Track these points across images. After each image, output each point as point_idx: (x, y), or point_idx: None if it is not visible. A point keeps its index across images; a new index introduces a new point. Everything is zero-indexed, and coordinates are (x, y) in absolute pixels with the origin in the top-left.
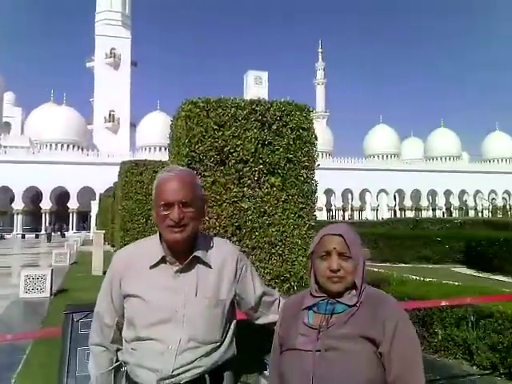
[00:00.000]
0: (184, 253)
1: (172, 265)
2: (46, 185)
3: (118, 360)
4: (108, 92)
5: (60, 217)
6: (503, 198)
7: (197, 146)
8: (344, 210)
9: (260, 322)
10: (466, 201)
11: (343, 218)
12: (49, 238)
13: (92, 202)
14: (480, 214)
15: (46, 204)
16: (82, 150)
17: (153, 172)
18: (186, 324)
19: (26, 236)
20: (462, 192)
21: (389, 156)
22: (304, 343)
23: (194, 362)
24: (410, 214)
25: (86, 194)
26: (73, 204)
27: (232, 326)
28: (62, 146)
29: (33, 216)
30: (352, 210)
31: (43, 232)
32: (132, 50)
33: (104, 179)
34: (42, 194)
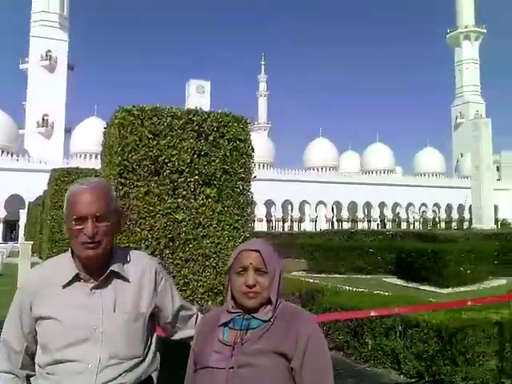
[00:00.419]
0: (99, 268)
1: (87, 282)
2: None
3: None
4: (42, 95)
5: None
6: (433, 210)
7: (130, 155)
8: (284, 221)
9: (177, 337)
10: (398, 213)
11: (283, 229)
12: None
13: (21, 211)
14: (412, 226)
15: None
16: (12, 155)
17: None
18: (105, 341)
19: None
20: (395, 204)
21: (327, 168)
22: (217, 361)
23: (117, 378)
24: (346, 226)
25: (15, 202)
26: (0, 213)
27: (154, 340)
28: None
29: None
30: (292, 221)
31: None
32: (69, 53)
33: (35, 187)
34: None
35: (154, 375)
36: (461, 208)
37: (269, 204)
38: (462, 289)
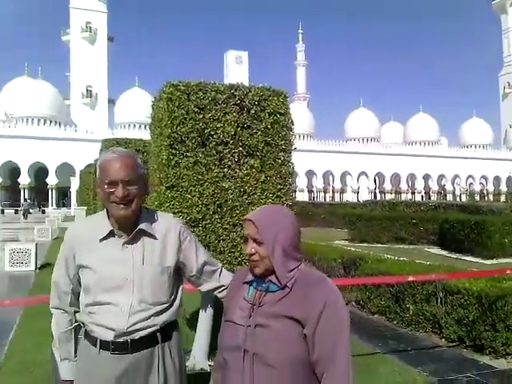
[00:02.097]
0: (130, 226)
1: (120, 238)
2: (23, 160)
3: (76, 320)
4: (85, 67)
5: (39, 192)
6: (480, 182)
7: (178, 128)
8: (325, 192)
9: (203, 288)
10: (444, 185)
11: (324, 200)
12: (25, 215)
13: (71, 178)
14: (458, 198)
15: (24, 179)
16: (60, 125)
17: (134, 150)
18: (135, 289)
19: (6, 211)
20: (441, 176)
21: (369, 140)
22: (239, 317)
23: (146, 320)
24: (389, 197)
25: (65, 170)
26: (52, 180)
27: (179, 290)
28: (39, 120)
29: (11, 191)
30: (333, 191)
31: (21, 208)
32: (108, 24)
33: (83, 156)
34: (19, 168)
35: (177, 322)
36: (510, 180)
37: (310, 174)
38: (506, 260)
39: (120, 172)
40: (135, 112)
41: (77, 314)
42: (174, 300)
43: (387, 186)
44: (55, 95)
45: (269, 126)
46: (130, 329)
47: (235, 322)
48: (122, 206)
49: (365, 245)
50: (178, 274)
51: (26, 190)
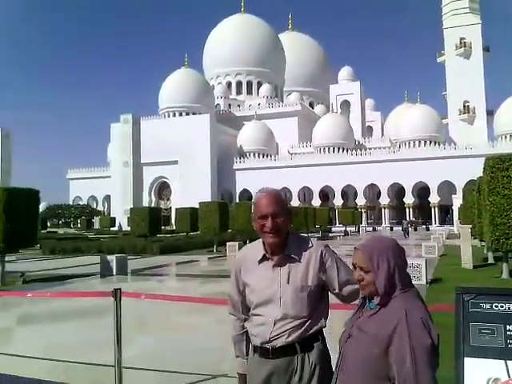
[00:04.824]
0: (279, 251)
1: (271, 260)
2: (407, 181)
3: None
4: (460, 83)
5: (422, 210)
6: None
7: None
8: None
9: (349, 303)
10: None
11: None
12: (405, 234)
13: (453, 196)
14: None
15: (408, 199)
16: (439, 144)
17: None
18: (281, 304)
19: (394, 228)
20: None
21: None
22: (350, 326)
23: (286, 331)
24: None
25: (446, 187)
26: (433, 198)
27: (321, 305)
28: (420, 142)
29: (397, 210)
30: None
31: (405, 225)
32: (483, 34)
33: (463, 172)
34: (404, 189)
35: (320, 333)
36: None
37: None
38: None
39: (268, 208)
40: None
41: (245, 322)
42: (315, 314)
43: None
44: (433, 116)
45: None
46: (272, 338)
47: (347, 329)
48: (271, 235)
49: None
50: (322, 292)
51: (410, 209)
